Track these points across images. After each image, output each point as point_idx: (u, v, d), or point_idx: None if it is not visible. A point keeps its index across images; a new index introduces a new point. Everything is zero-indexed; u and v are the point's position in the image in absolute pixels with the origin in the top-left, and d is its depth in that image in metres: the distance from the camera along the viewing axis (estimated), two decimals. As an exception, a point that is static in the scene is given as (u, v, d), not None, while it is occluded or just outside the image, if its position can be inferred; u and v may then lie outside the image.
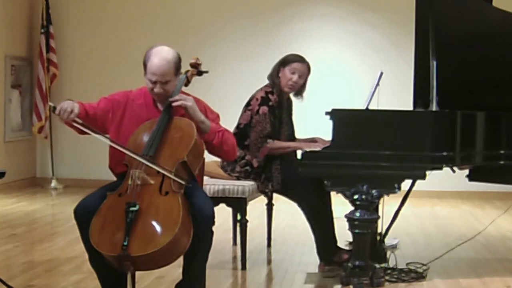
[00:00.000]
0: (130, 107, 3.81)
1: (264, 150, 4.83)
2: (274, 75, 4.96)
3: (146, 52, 3.77)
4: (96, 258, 3.52)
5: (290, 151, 4.99)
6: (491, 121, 4.53)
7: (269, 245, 5.49)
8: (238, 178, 4.88)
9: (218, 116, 3.94)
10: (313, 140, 5.10)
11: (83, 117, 3.65)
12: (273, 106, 4.89)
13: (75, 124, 3.61)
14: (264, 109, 4.85)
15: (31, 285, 4.36)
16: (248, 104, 4.97)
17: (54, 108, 3.58)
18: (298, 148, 4.80)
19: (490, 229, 5.99)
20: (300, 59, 4.97)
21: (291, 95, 5.10)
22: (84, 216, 3.49)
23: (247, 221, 4.78)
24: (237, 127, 4.94)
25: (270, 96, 4.91)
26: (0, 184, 7.31)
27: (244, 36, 8.65)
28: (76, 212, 3.57)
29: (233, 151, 3.90)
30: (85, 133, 3.69)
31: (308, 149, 4.40)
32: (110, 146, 3.72)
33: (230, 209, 4.99)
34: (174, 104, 3.72)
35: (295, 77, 4.93)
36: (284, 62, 4.97)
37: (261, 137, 4.83)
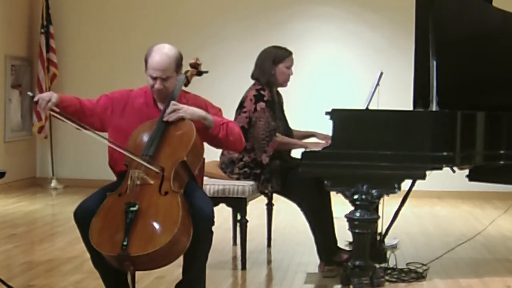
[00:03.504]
0: (130, 105, 3.82)
1: (274, 144, 4.81)
2: (267, 74, 4.94)
3: (148, 49, 3.78)
4: (98, 259, 3.51)
5: (290, 151, 5.01)
6: (491, 121, 4.52)
7: (269, 245, 5.49)
8: (237, 179, 4.87)
9: (220, 110, 3.93)
10: (311, 135, 5.12)
11: (64, 107, 3.67)
12: (268, 100, 4.88)
13: (52, 114, 3.64)
14: (262, 105, 4.84)
15: (31, 285, 4.36)
16: (241, 106, 4.92)
17: (33, 97, 3.62)
18: (305, 147, 4.79)
19: (490, 229, 5.99)
20: (289, 53, 5.00)
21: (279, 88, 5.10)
22: (84, 218, 3.49)
23: (247, 221, 4.78)
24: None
25: (262, 92, 4.90)
26: (0, 184, 7.31)
27: (244, 36, 8.64)
28: (76, 214, 3.57)
29: (240, 140, 3.87)
30: (78, 129, 3.69)
31: (308, 149, 4.41)
32: (109, 147, 3.73)
33: (230, 209, 4.99)
34: (170, 120, 3.68)
35: (290, 71, 4.98)
36: (277, 59, 4.94)
37: (268, 131, 4.81)
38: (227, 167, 4.90)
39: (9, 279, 4.25)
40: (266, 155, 4.82)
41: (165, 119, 3.68)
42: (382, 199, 4.36)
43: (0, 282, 4.00)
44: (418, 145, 4.28)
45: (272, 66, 4.94)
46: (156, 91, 3.77)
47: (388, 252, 4.94)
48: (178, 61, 3.76)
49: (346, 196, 4.31)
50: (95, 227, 3.41)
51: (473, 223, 6.71)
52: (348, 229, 4.35)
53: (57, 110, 3.62)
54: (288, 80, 5.00)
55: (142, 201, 3.41)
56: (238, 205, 4.75)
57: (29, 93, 3.76)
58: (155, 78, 3.72)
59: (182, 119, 3.69)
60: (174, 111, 3.68)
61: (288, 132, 5.08)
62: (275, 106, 4.98)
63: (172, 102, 3.72)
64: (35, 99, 3.60)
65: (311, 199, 4.80)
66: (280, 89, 5.13)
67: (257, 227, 5.74)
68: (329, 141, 4.39)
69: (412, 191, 5.02)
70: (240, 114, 4.90)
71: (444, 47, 4.46)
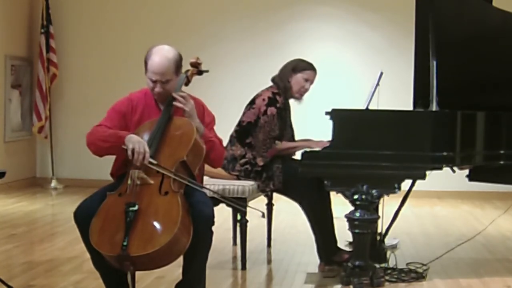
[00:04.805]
0: (135, 115, 3.80)
1: (273, 151, 4.84)
2: (285, 80, 4.96)
3: (147, 51, 3.76)
4: (98, 259, 3.51)
5: (294, 151, 5.02)
6: (491, 121, 4.53)
7: (269, 245, 5.49)
8: (238, 178, 4.88)
9: (213, 119, 3.93)
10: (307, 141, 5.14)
11: None
12: (280, 107, 4.91)
13: (150, 166, 3.51)
14: (273, 110, 4.86)
15: (31, 285, 4.35)
16: (252, 102, 4.97)
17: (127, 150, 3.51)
18: (306, 146, 4.80)
19: (490, 229, 5.99)
20: (312, 67, 5.03)
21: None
22: (84, 218, 3.49)
23: (247, 221, 4.78)
24: (239, 124, 4.95)
25: (277, 97, 4.92)
26: (0, 184, 7.31)
27: (244, 36, 8.65)
28: (76, 215, 3.56)
29: (219, 160, 3.88)
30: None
31: (309, 149, 4.42)
32: (117, 157, 3.71)
33: (230, 209, 4.99)
34: (176, 103, 3.70)
35: (307, 85, 5.00)
36: (297, 68, 4.97)
37: (269, 138, 4.84)
38: (229, 163, 4.92)
39: (9, 279, 4.24)
40: (262, 159, 4.85)
41: (174, 94, 3.70)
42: (382, 199, 4.37)
43: (0, 282, 4.00)
44: (418, 145, 4.28)
45: (290, 73, 4.96)
46: (156, 94, 3.77)
47: (388, 252, 4.94)
48: (178, 63, 3.75)
49: (346, 196, 4.31)
50: (95, 227, 3.41)
51: (473, 223, 6.71)
52: (348, 229, 4.36)
53: (155, 162, 3.53)
54: (302, 93, 5.00)
55: (142, 201, 3.41)
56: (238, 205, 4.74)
57: (124, 147, 3.50)
58: (155, 81, 3.71)
59: (181, 118, 3.71)
60: (184, 98, 3.71)
61: (292, 140, 5.10)
62: (286, 114, 5.01)
63: (182, 94, 3.74)
64: (129, 155, 3.49)
65: (311, 198, 4.81)
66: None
67: (257, 227, 5.73)
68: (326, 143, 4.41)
69: (412, 191, 5.03)
70: (249, 109, 4.95)
71: (444, 47, 4.46)
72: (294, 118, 5.21)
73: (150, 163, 3.51)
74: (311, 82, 5.03)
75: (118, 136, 3.59)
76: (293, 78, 4.96)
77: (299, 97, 5.04)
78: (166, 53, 3.72)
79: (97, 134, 3.66)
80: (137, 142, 3.52)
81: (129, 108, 3.80)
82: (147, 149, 3.51)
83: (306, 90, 5.02)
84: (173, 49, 3.77)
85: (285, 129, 4.99)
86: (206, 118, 3.86)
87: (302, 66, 4.99)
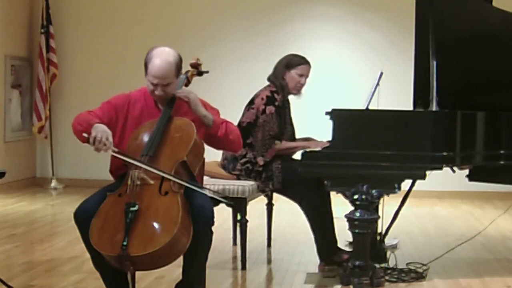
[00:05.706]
0: (132, 111, 3.80)
1: (272, 151, 4.84)
2: (280, 78, 4.96)
3: (147, 52, 3.74)
4: (98, 259, 3.50)
5: (294, 151, 5.01)
6: (491, 121, 4.53)
7: (269, 245, 5.49)
8: (238, 177, 4.88)
9: (218, 112, 3.94)
10: (307, 139, 5.14)
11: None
12: (279, 106, 4.90)
13: (113, 154, 3.54)
14: (271, 109, 4.86)
15: (31, 285, 4.35)
16: (251, 102, 4.97)
17: (88, 138, 3.50)
18: (306, 146, 4.80)
19: (490, 229, 5.99)
20: (305, 61, 5.00)
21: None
22: (84, 219, 3.48)
23: (247, 221, 4.78)
24: (239, 125, 4.95)
25: (275, 95, 4.92)
26: (0, 184, 7.31)
27: (244, 36, 8.65)
28: (76, 215, 3.56)
29: (238, 140, 3.90)
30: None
31: (308, 149, 4.42)
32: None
33: (230, 209, 4.99)
34: (178, 95, 3.72)
35: (303, 80, 4.98)
36: (290, 65, 4.97)
37: (269, 138, 4.84)
38: (229, 163, 4.91)
39: (9, 279, 4.25)
40: (262, 159, 4.85)
41: (175, 91, 3.73)
42: (382, 199, 4.37)
43: (0, 282, 4.00)
44: (418, 145, 4.28)
45: (284, 70, 4.96)
46: (157, 97, 3.76)
47: (388, 252, 4.94)
48: (178, 66, 3.75)
49: (346, 196, 4.31)
50: (95, 227, 3.41)
51: (473, 223, 6.71)
52: (348, 229, 4.36)
53: (116, 150, 3.54)
54: (298, 88, 4.99)
55: (142, 201, 3.41)
56: (238, 205, 4.75)
57: (85, 134, 3.49)
58: (156, 85, 3.71)
59: (181, 119, 3.71)
60: (184, 91, 3.75)
61: (293, 138, 5.10)
62: (285, 111, 5.00)
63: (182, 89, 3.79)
64: (91, 142, 3.47)
65: (311, 198, 4.81)
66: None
67: (257, 227, 5.73)
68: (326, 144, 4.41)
69: (412, 191, 5.03)
70: (249, 110, 4.95)
71: (444, 47, 4.46)
72: (294, 118, 5.21)
73: (114, 151, 3.51)
74: (307, 76, 5.02)
75: (89, 124, 3.58)
76: (287, 75, 4.96)
77: (297, 93, 5.04)
78: (167, 56, 3.70)
79: (80, 117, 3.69)
80: (101, 132, 3.49)
81: (126, 103, 3.81)
82: (110, 139, 3.49)
83: (303, 85, 5.01)
84: (174, 52, 3.75)
85: (285, 127, 4.98)
86: (210, 111, 3.85)
87: (295, 62, 4.98)
